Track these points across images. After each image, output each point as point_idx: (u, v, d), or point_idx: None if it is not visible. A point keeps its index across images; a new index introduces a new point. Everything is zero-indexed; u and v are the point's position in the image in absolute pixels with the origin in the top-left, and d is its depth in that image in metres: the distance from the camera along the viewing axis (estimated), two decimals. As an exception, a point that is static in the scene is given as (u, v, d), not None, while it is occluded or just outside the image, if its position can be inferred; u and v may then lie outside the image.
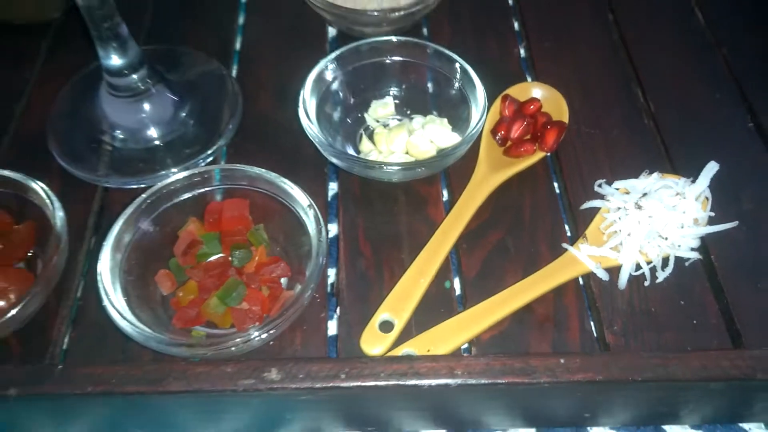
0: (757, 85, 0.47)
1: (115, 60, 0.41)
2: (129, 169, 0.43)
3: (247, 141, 0.45)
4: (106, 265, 0.33)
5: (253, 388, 0.29)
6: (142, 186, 0.42)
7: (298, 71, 0.47)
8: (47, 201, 0.36)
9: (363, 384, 0.30)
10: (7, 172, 0.37)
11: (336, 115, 0.44)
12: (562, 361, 0.30)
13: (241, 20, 0.53)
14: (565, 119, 0.43)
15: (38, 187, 0.36)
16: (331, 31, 0.53)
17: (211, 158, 0.44)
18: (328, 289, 0.39)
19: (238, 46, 0.52)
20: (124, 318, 0.32)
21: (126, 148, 0.44)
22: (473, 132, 0.40)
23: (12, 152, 0.44)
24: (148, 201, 0.36)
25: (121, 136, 0.44)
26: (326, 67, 0.43)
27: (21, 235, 0.37)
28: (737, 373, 0.30)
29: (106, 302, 0.32)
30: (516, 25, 0.53)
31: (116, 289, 0.33)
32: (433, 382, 0.30)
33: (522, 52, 0.51)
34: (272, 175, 0.37)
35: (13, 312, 0.33)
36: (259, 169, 0.37)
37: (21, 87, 0.48)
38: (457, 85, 0.42)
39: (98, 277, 0.33)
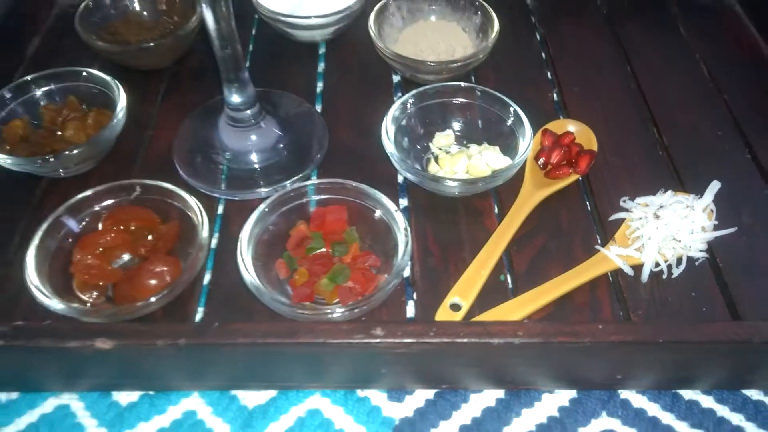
0: (752, 124, 0.57)
1: (236, 98, 0.52)
2: (238, 185, 0.53)
3: (333, 164, 0.55)
4: (245, 251, 0.43)
5: (364, 341, 0.38)
6: (249, 199, 0.52)
7: (371, 109, 0.58)
8: (195, 208, 0.46)
9: (447, 340, 0.39)
10: (160, 183, 0.47)
11: (406, 143, 0.54)
12: (600, 326, 0.39)
13: (321, 68, 0.64)
14: (595, 148, 0.53)
15: (189, 198, 0.46)
16: (395, 77, 0.63)
17: (303, 181, 0.54)
18: (405, 280, 0.48)
19: (319, 89, 0.62)
20: (261, 289, 0.41)
21: (234, 168, 0.54)
22: (522, 157, 0.50)
23: (144, 169, 0.55)
24: (270, 205, 0.46)
25: (231, 158, 0.55)
26: (402, 105, 0.53)
27: (167, 232, 0.47)
28: (737, 338, 0.39)
29: (247, 277, 0.42)
30: (549, 74, 0.64)
31: (252, 269, 0.43)
32: (502, 340, 0.39)
33: (555, 96, 0.61)
34: (365, 187, 0.47)
35: (168, 290, 0.43)
36: (355, 182, 0.47)
37: (147, 119, 0.59)
38: (509, 123, 0.53)
39: (240, 259, 0.43)
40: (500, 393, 0.44)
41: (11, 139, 0.52)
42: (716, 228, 0.48)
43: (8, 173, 0.52)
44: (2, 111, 0.53)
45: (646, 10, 0.69)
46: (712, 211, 0.48)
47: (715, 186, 0.48)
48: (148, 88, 0.61)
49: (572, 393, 0.44)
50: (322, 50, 0.66)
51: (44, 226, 0.45)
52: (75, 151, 0.50)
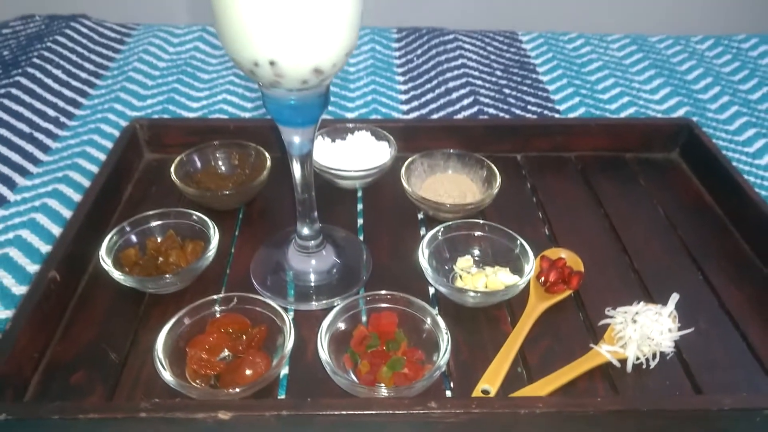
0: (701, 252, 0.74)
1: (306, 231, 0.67)
2: (300, 298, 0.67)
3: (376, 282, 0.70)
4: (325, 349, 0.56)
5: (421, 411, 0.51)
6: (309, 309, 0.66)
7: (402, 240, 0.74)
8: (283, 315, 0.59)
9: (485, 411, 0.51)
10: (252, 295, 0.61)
11: (434, 263, 0.69)
12: (599, 399, 0.52)
13: (359, 207, 0.81)
14: (582, 270, 0.68)
15: (278, 307, 0.60)
16: (420, 215, 0.80)
17: (351, 298, 0.67)
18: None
19: (359, 223, 0.78)
20: (339, 376, 0.54)
21: (298, 285, 0.68)
22: (527, 277, 0.65)
23: (228, 287, 0.68)
24: (339, 311, 0.60)
25: (294, 277, 0.69)
26: (433, 235, 0.69)
27: (258, 334, 0.59)
28: (700, 407, 0.52)
29: (328, 368, 0.55)
30: (540, 214, 0.81)
31: (329, 355, 0.55)
32: (527, 410, 0.51)
33: (546, 231, 0.78)
34: (411, 297, 0.61)
35: (261, 379, 0.55)
36: (403, 294, 0.62)
37: (226, 248, 0.73)
38: (516, 251, 0.68)
39: (323, 355, 0.56)
40: (524, 461, 0.55)
41: (127, 263, 0.66)
42: (680, 329, 0.62)
43: (118, 290, 0.66)
44: (121, 240, 0.67)
45: (613, 168, 0.88)
46: (675, 316, 0.63)
47: (675, 297, 0.63)
48: (225, 224, 0.76)
49: (580, 460, 0.55)
50: (359, 194, 0.83)
51: (167, 327, 0.57)
52: (175, 276, 0.64)
